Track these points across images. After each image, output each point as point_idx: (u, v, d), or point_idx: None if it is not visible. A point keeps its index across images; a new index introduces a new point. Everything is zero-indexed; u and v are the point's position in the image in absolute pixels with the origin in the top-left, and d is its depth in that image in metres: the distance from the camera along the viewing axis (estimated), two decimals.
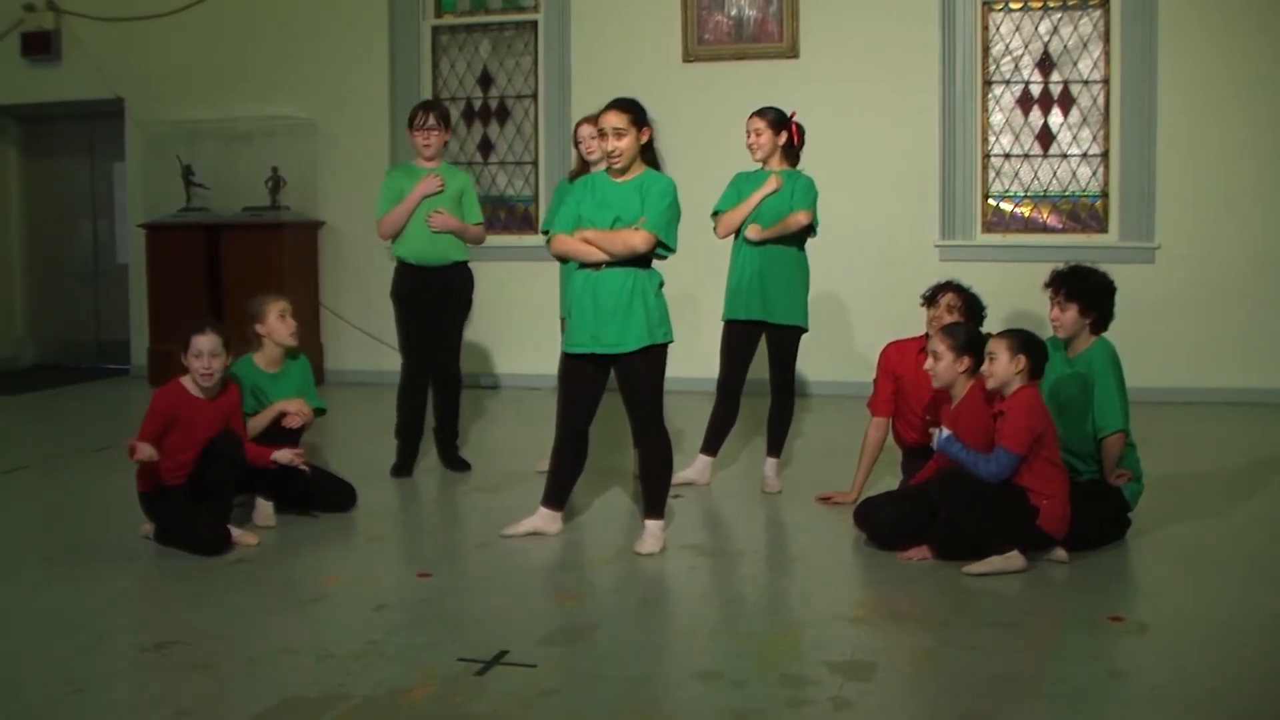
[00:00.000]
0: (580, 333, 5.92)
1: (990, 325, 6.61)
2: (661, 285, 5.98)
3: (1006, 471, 5.53)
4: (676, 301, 10.15)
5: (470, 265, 7.69)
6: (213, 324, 6.22)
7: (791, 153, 7.12)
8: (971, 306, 6.57)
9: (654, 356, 5.93)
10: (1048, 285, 6.14)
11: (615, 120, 5.79)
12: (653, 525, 6.01)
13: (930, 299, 6.64)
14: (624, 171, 5.87)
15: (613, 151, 5.80)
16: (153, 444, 5.89)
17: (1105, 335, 6.14)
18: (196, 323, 6.22)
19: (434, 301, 7.54)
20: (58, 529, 6.57)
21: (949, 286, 6.65)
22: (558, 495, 6.27)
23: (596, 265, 5.84)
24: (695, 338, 9.73)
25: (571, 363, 6.04)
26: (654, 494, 6.05)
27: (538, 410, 9.45)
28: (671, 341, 5.98)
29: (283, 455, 6.37)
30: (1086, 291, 6.04)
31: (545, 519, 6.29)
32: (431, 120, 7.57)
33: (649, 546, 5.94)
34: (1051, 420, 5.70)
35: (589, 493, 7.34)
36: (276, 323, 6.59)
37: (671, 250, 5.88)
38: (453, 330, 7.68)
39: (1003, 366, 5.64)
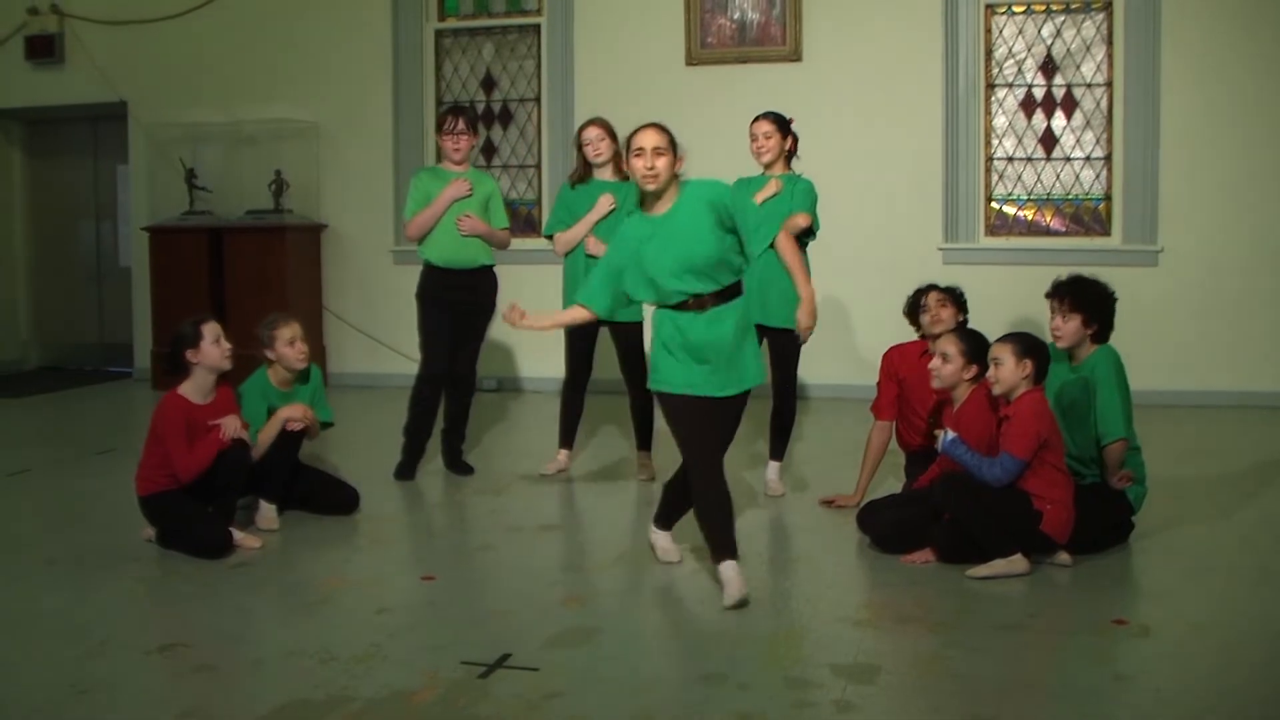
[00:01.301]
0: (696, 375, 5.33)
1: (994, 328, 6.61)
2: None
3: (1011, 476, 5.53)
4: None
5: (495, 270, 7.71)
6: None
7: (789, 158, 7.13)
8: (957, 298, 6.65)
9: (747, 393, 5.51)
10: (1050, 295, 6.12)
11: (657, 139, 5.33)
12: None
13: (916, 307, 6.68)
14: (659, 197, 5.37)
15: (651, 169, 5.29)
16: (188, 448, 6.00)
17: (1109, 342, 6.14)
18: (194, 318, 6.27)
19: (459, 304, 7.56)
20: (61, 531, 6.57)
21: (927, 288, 6.71)
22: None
23: (701, 305, 5.30)
24: None
25: (682, 404, 5.37)
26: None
27: (540, 413, 9.46)
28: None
29: (293, 415, 6.50)
30: (1090, 302, 6.01)
31: None
32: (461, 125, 7.58)
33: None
34: (1057, 425, 5.70)
35: (592, 496, 7.35)
36: (285, 349, 6.61)
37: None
38: (475, 334, 7.70)
39: (1009, 372, 5.64)
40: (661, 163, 5.28)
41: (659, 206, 5.38)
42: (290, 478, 6.63)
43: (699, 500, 5.37)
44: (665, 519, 5.85)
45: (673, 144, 5.34)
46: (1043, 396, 5.69)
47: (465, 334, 7.63)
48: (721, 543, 5.32)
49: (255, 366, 6.71)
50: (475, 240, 7.51)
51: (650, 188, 5.32)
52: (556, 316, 5.85)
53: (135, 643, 4.82)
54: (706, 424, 5.39)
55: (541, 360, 10.77)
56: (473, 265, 7.54)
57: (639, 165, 5.30)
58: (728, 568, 5.28)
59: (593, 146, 7.40)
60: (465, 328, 7.61)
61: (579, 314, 5.61)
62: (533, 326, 5.51)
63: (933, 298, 6.65)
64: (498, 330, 10.92)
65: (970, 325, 6.55)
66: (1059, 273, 6.20)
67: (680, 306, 5.34)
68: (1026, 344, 5.70)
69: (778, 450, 7.25)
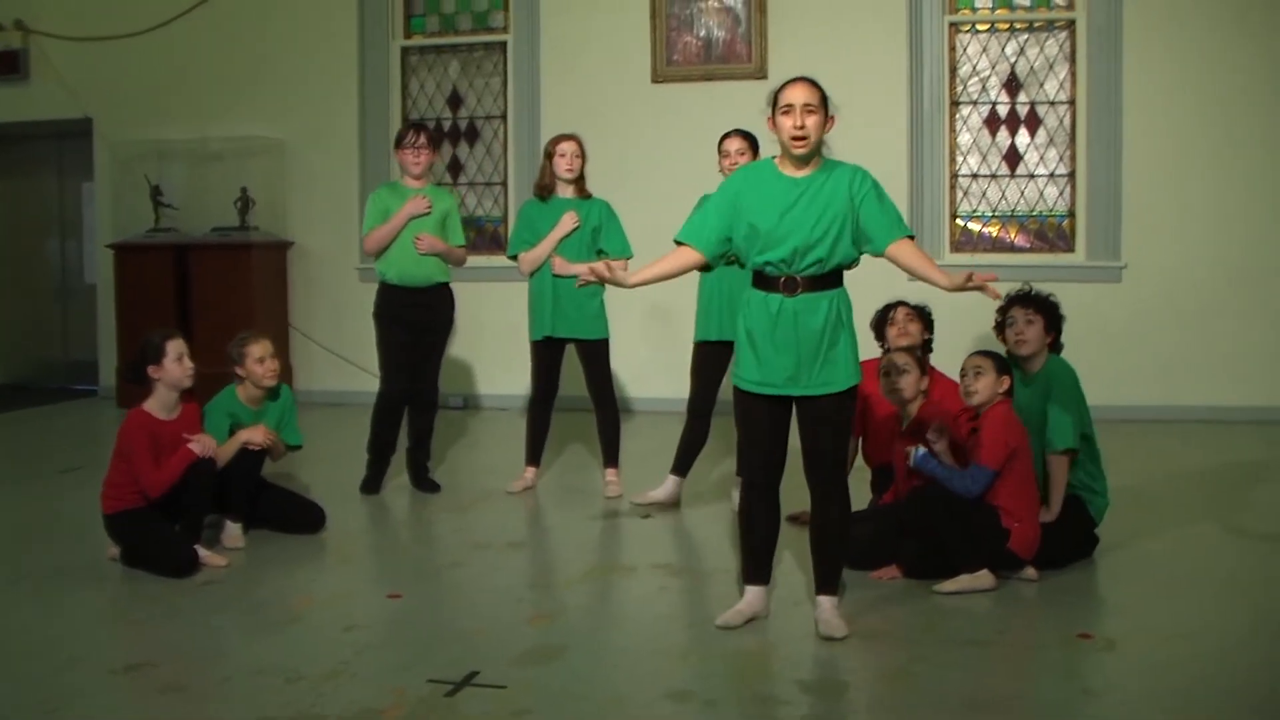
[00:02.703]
0: (772, 370, 4.96)
1: (960, 344, 6.67)
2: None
3: (982, 487, 5.57)
4: (645, 320, 10.20)
5: (451, 286, 7.72)
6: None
7: None
8: (925, 315, 6.72)
9: (851, 398, 5.07)
10: (1011, 305, 6.14)
11: (807, 94, 4.93)
12: (827, 603, 5.14)
13: (884, 320, 6.72)
14: (806, 161, 4.99)
15: (801, 129, 4.89)
16: (154, 464, 5.96)
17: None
18: (160, 332, 6.26)
19: (417, 322, 7.56)
20: (27, 549, 6.52)
21: (896, 303, 6.76)
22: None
23: (793, 290, 4.93)
24: (662, 357, 9.78)
25: (751, 403, 5.07)
26: (830, 566, 5.17)
27: (507, 431, 9.45)
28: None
29: (254, 438, 6.47)
30: (1049, 308, 6.11)
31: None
32: (422, 139, 7.59)
33: (834, 630, 5.03)
34: (1026, 437, 5.74)
35: (559, 513, 7.35)
36: (255, 366, 6.58)
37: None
38: (434, 351, 7.70)
39: (989, 384, 5.71)
40: (811, 121, 4.90)
41: (800, 169, 4.98)
42: (255, 496, 6.62)
43: (740, 515, 5.30)
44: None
45: (824, 101, 4.96)
46: (1011, 407, 5.74)
47: (424, 351, 7.63)
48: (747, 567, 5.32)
49: (221, 384, 6.68)
50: (431, 258, 7.51)
51: (798, 152, 4.93)
52: (656, 267, 5.13)
53: (102, 661, 4.80)
54: (762, 427, 5.05)
55: (508, 377, 10.76)
56: (428, 283, 7.54)
57: (787, 124, 4.91)
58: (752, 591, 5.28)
59: (567, 160, 7.39)
60: (424, 345, 7.61)
61: (686, 256, 5.10)
62: (631, 283, 5.07)
63: (901, 313, 6.70)
64: (464, 348, 10.94)
65: (933, 341, 6.64)
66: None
67: (772, 285, 4.96)
68: (1004, 363, 5.78)
69: (681, 466, 7.36)
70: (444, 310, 7.70)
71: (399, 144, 7.67)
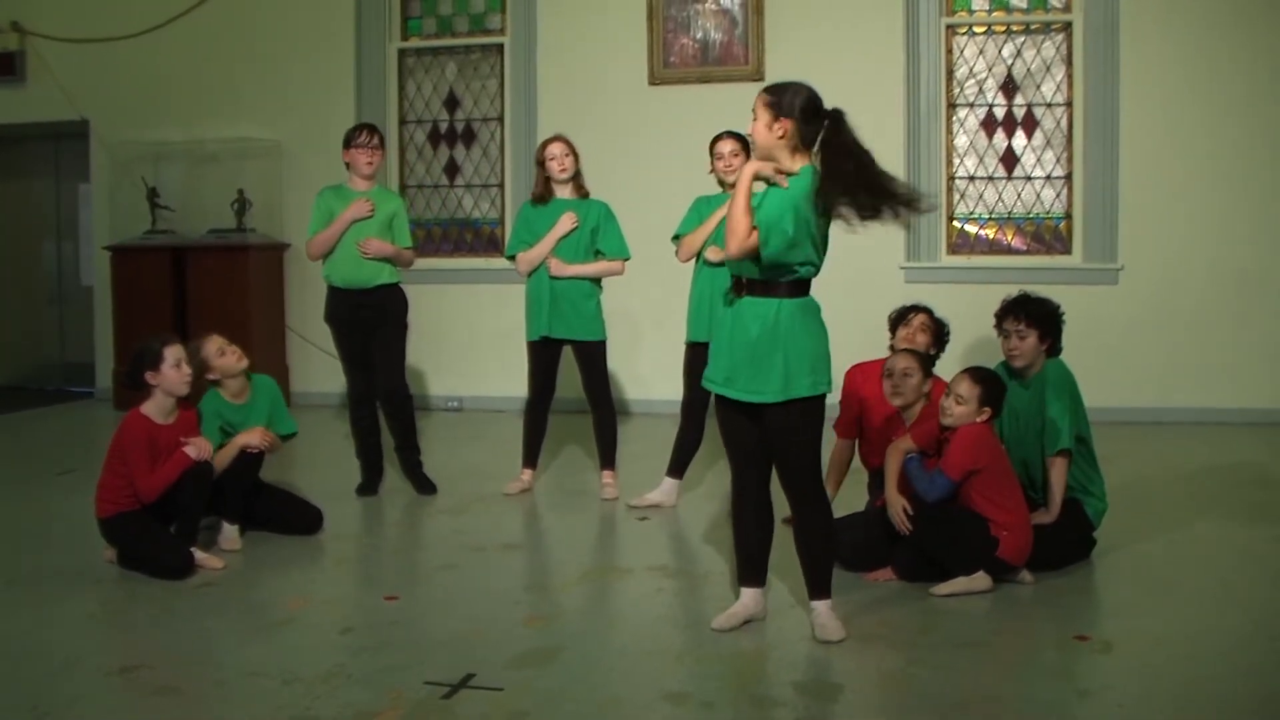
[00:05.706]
0: (714, 368, 5.12)
1: (955, 347, 6.65)
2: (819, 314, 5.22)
3: (942, 492, 5.64)
4: (641, 322, 10.20)
5: (402, 286, 7.70)
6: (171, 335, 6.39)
7: None
8: (940, 331, 6.65)
9: (803, 409, 5.00)
10: (1004, 315, 6.14)
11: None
12: (822, 607, 5.10)
13: (901, 318, 6.68)
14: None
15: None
16: (150, 468, 5.98)
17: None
18: (158, 337, 6.25)
19: (367, 324, 7.56)
20: (22, 552, 6.51)
21: (920, 308, 6.71)
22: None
23: (737, 291, 5.04)
24: (658, 359, 9.77)
25: (716, 403, 5.20)
26: (818, 571, 5.13)
27: (503, 433, 9.45)
28: (827, 392, 5.10)
29: (252, 441, 6.49)
30: (1044, 317, 6.08)
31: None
32: (376, 140, 7.59)
33: (831, 633, 5.02)
34: (997, 454, 5.73)
35: (556, 515, 7.35)
36: (219, 360, 6.59)
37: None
38: (392, 350, 7.66)
39: (966, 414, 5.68)
40: (753, 126, 5.01)
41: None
42: (253, 498, 6.61)
43: (732, 517, 5.34)
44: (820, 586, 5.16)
45: (773, 105, 4.98)
46: (986, 429, 5.72)
47: (380, 350, 7.62)
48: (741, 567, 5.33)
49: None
50: (375, 260, 7.52)
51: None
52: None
53: (97, 664, 4.80)
54: (731, 428, 5.12)
55: (504, 379, 10.75)
56: (372, 284, 7.53)
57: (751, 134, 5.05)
58: (747, 594, 5.27)
59: (558, 162, 7.38)
60: (378, 344, 7.60)
61: None
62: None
63: (918, 320, 6.65)
64: (460, 350, 10.94)
65: (938, 358, 6.59)
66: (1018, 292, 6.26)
67: (733, 284, 5.09)
68: (991, 391, 5.73)
69: (677, 468, 7.39)
70: (393, 309, 7.65)
71: (350, 144, 7.63)
